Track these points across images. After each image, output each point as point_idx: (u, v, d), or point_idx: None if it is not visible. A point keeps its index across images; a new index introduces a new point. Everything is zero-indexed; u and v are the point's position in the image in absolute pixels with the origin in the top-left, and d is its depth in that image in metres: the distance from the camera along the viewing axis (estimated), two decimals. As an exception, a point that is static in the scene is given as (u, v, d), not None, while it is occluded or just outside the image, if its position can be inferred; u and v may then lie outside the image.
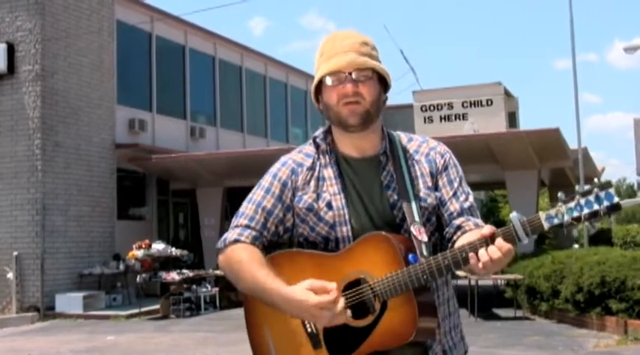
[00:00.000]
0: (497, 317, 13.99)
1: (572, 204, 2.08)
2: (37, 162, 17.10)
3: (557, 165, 18.62)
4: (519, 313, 13.93)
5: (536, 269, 13.49)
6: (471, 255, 2.14)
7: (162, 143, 21.20)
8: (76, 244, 17.80)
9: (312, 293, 2.20)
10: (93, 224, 18.37)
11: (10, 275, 16.79)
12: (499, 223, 33.37)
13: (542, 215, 2.11)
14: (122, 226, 19.52)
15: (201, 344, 11.89)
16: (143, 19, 21.15)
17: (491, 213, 34.64)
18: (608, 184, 2.06)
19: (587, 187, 2.09)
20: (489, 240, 2.13)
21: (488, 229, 2.16)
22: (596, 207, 2.06)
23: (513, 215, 2.14)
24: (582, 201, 2.07)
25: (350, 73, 2.34)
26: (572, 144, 17.85)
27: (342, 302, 2.20)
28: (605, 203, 2.05)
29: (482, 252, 2.13)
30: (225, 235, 2.47)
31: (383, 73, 2.41)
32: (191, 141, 22.90)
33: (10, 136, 17.37)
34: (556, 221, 2.10)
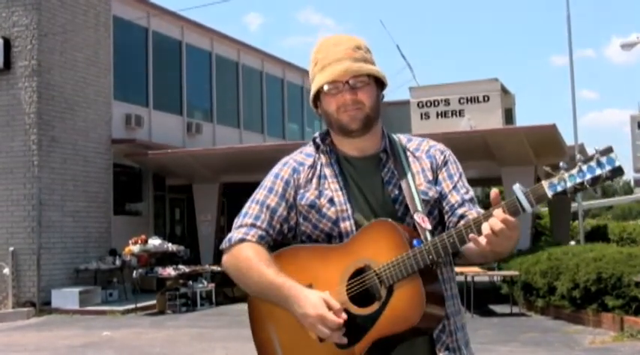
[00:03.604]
0: (494, 314, 14.00)
1: (574, 171, 2.05)
2: (33, 157, 17.07)
3: (553, 162, 18.61)
4: (515, 309, 13.94)
5: (532, 266, 13.51)
6: (471, 236, 2.12)
7: (159, 139, 21.17)
8: (72, 239, 17.79)
9: (324, 304, 2.20)
10: (89, 219, 18.36)
11: (6, 270, 16.78)
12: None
13: (544, 183, 2.08)
14: (118, 221, 19.51)
15: (196, 340, 11.89)
16: (140, 14, 21.11)
17: (487, 209, 34.63)
18: (610, 149, 2.03)
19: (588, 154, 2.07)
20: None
21: (493, 194, 2.14)
22: (598, 171, 2.03)
23: (516, 186, 2.11)
24: (584, 168, 2.04)
25: (347, 81, 2.35)
26: (569, 141, 17.87)
27: (341, 332, 2.19)
28: (608, 167, 2.02)
29: (484, 226, 2.11)
30: (230, 235, 2.45)
31: (379, 75, 2.41)
32: (187, 137, 22.90)
33: (6, 132, 17.34)
34: (559, 188, 2.07)
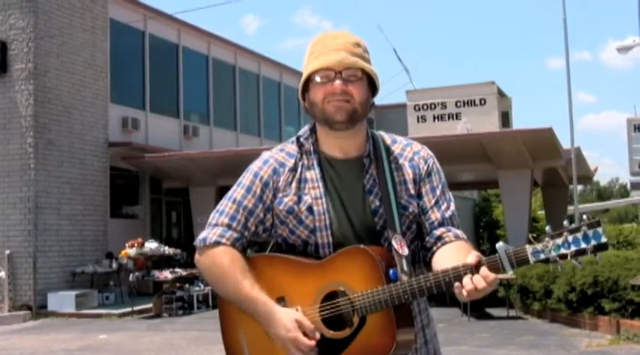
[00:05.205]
0: (490, 317, 14.01)
1: (559, 241, 2.08)
2: (29, 160, 17.05)
3: (550, 165, 18.64)
4: (512, 312, 13.95)
5: (528, 269, 13.49)
6: (457, 284, 2.11)
7: (156, 142, 21.17)
8: (69, 243, 17.77)
9: (297, 325, 2.20)
10: (86, 222, 18.33)
11: (2, 273, 16.75)
12: (492, 223, 33.47)
13: (528, 248, 2.10)
14: (115, 225, 19.49)
15: (193, 343, 11.87)
16: (136, 17, 21.11)
17: (483, 212, 34.62)
18: (597, 223, 2.06)
19: (576, 224, 2.10)
20: (474, 269, 2.11)
21: (474, 258, 2.13)
22: (583, 245, 2.06)
23: (500, 245, 2.12)
24: (570, 239, 2.07)
25: (340, 72, 2.30)
26: (566, 144, 17.89)
27: (314, 353, 2.20)
28: (593, 242, 2.05)
29: (466, 280, 2.10)
30: (205, 234, 2.42)
31: (373, 75, 2.37)
32: (184, 140, 22.88)
33: (2, 135, 17.32)
34: (542, 256, 2.09)
